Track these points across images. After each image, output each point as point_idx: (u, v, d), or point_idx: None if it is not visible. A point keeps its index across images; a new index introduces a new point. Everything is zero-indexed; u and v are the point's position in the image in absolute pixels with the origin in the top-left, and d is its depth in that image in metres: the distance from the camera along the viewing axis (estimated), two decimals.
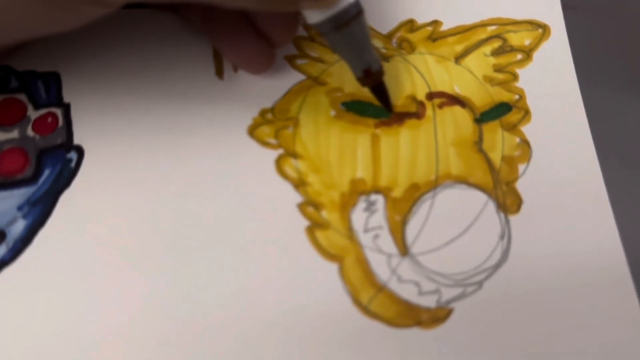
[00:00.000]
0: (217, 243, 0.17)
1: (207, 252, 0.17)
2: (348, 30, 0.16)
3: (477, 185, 0.18)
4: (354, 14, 0.16)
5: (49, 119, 0.19)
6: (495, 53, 0.21)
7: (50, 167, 0.18)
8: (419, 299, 0.16)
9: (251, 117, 0.19)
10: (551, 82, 0.20)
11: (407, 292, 0.17)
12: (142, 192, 0.18)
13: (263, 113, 0.19)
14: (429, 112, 0.19)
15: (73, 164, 0.18)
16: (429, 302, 0.16)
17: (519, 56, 0.21)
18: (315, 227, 0.17)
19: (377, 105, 0.19)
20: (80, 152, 0.18)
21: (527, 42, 0.21)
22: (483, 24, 0.21)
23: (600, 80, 0.21)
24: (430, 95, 0.20)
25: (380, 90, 0.19)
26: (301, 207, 0.18)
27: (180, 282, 0.17)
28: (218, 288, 0.17)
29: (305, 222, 0.17)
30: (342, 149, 0.19)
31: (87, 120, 0.19)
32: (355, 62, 0.18)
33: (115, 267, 0.17)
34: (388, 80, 0.20)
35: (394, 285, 0.17)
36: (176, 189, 0.18)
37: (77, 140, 0.18)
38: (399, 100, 0.20)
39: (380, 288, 0.17)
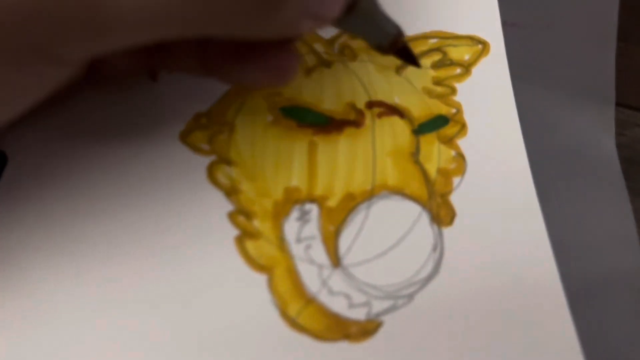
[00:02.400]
0: (143, 251, 0.16)
1: (132, 260, 0.16)
2: (356, 11, 0.15)
3: (412, 197, 0.18)
4: None
5: None
6: (435, 66, 0.21)
7: None
8: (348, 311, 0.16)
9: (184, 121, 0.18)
10: (488, 97, 0.20)
11: (337, 305, 0.16)
12: (66, 198, 0.17)
13: (197, 117, 0.18)
14: (367, 121, 0.19)
15: None
16: (358, 314, 0.16)
17: (458, 70, 0.21)
18: (245, 236, 0.17)
19: (317, 111, 0.19)
20: (3, 158, 0.17)
21: (466, 57, 0.21)
22: (425, 37, 0.21)
23: (536, 96, 0.21)
24: (370, 104, 0.20)
25: (405, 51, 0.18)
26: (231, 216, 0.17)
27: (103, 290, 0.16)
28: (140, 296, 0.16)
29: (235, 232, 0.17)
30: (278, 156, 0.18)
31: (13, 125, 0.18)
32: (375, 35, 0.17)
33: (38, 276, 0.16)
34: (328, 86, 0.20)
35: (324, 298, 0.16)
36: (102, 196, 0.17)
37: (0, 146, 0.17)
38: (338, 107, 0.19)
39: (310, 300, 0.16)
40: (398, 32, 0.17)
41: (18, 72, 0.13)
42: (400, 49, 0.18)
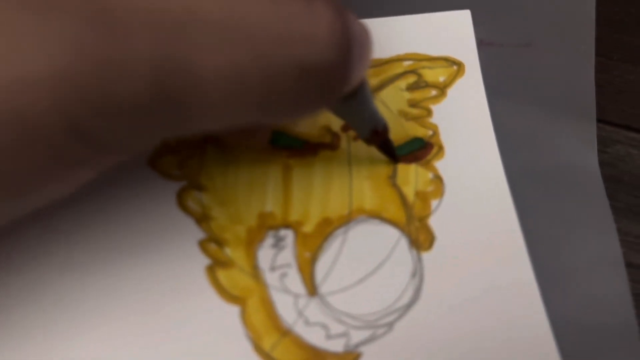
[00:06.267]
0: (109, 283, 0.15)
1: (98, 291, 0.15)
2: (353, 100, 0.16)
3: (390, 221, 0.18)
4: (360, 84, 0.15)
5: None
6: (411, 88, 0.21)
7: None
8: (326, 343, 0.15)
9: None
10: (464, 118, 0.20)
11: (314, 336, 0.15)
12: (33, 226, 0.16)
13: (166, 140, 0.18)
14: (343, 143, 0.19)
15: None
16: (336, 346, 0.15)
17: (434, 92, 0.21)
18: (216, 265, 0.16)
19: (290, 134, 0.19)
20: None
21: (441, 78, 0.21)
22: (399, 59, 0.21)
23: (516, 114, 0.21)
24: (346, 127, 0.19)
25: (387, 145, 0.18)
26: (202, 244, 0.16)
27: (67, 322, 0.15)
28: (107, 330, 0.15)
29: (206, 261, 0.16)
30: (251, 180, 0.18)
31: None
32: (362, 126, 0.17)
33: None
34: None
35: (300, 329, 0.16)
36: (67, 222, 0.16)
37: None
38: (313, 130, 0.19)
39: (285, 332, 0.15)
40: (384, 127, 0.18)
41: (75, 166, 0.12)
42: (382, 143, 0.18)
